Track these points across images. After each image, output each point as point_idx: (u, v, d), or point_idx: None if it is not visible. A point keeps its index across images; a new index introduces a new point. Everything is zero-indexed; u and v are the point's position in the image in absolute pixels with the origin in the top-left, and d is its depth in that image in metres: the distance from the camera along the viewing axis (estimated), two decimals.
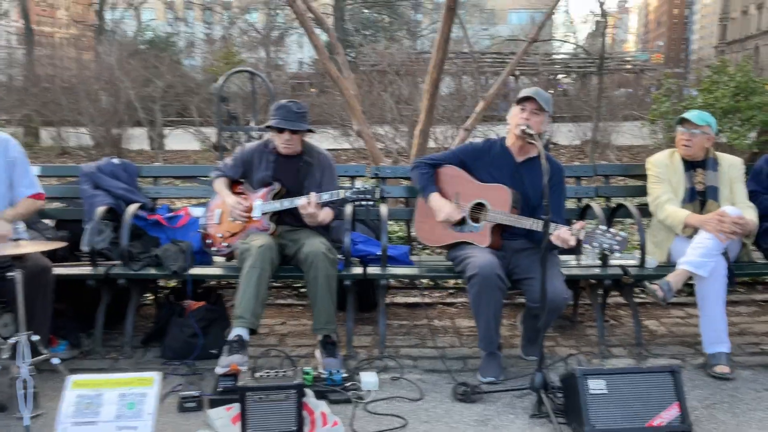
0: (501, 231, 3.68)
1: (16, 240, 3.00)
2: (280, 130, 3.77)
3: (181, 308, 3.91)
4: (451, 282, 4.94)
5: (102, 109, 10.15)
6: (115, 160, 4.28)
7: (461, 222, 3.72)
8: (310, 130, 3.85)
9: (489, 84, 12.33)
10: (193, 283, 3.94)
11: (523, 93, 3.65)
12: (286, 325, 4.39)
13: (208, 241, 3.93)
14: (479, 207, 3.70)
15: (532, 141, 3.51)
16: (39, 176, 3.99)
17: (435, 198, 3.76)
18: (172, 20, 31.30)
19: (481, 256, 3.47)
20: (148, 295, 4.55)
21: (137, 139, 11.89)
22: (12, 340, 3.05)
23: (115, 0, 29.44)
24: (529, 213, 3.62)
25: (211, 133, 11.39)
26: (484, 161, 3.79)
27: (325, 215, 3.77)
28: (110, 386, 2.45)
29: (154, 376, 2.49)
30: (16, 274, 2.99)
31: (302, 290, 4.82)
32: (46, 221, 4.17)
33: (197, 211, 4.18)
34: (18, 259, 3.00)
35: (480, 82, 12.07)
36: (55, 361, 3.20)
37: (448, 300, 4.84)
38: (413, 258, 4.25)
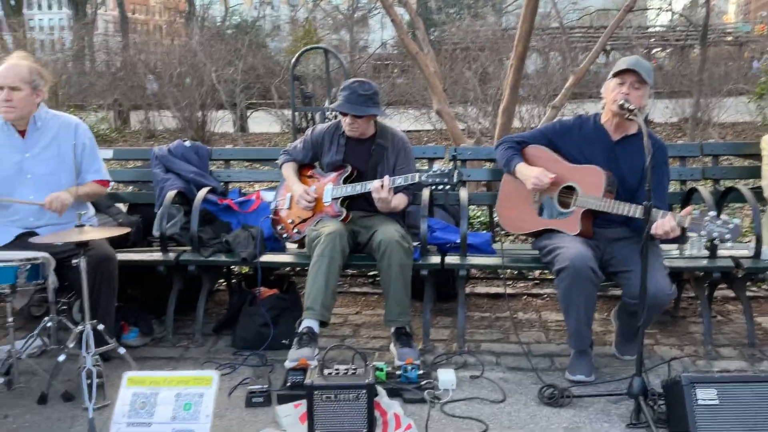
0: (593, 218, 3.32)
1: (81, 226, 2.92)
2: (345, 113, 3.54)
3: (253, 296, 3.78)
4: (537, 272, 4.60)
5: (186, 92, 10.28)
6: (187, 143, 4.18)
7: (546, 208, 3.39)
8: (375, 115, 3.57)
9: (578, 60, 11.70)
10: (265, 270, 3.80)
11: (622, 64, 3.25)
12: (361, 315, 4.19)
13: (279, 227, 3.77)
14: (568, 191, 3.36)
15: (632, 117, 3.12)
16: (112, 159, 3.95)
17: (522, 167, 3.43)
18: (258, 4, 31.72)
19: (572, 246, 3.13)
20: (221, 280, 4.45)
21: (221, 121, 12.02)
22: (78, 329, 2.99)
23: None
24: (626, 198, 3.24)
25: (290, 114, 11.36)
26: (575, 140, 3.43)
27: (399, 201, 3.52)
28: (166, 385, 2.31)
29: (213, 375, 2.34)
30: (80, 262, 2.92)
31: (377, 278, 4.61)
32: (119, 205, 4.13)
33: (269, 196, 4.03)
34: (82, 246, 2.91)
35: (568, 57, 11.46)
36: (122, 350, 3.12)
37: (534, 291, 4.51)
38: (495, 246, 3.95)
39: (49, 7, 52.49)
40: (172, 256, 3.68)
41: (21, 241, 3.25)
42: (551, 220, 3.37)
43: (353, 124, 3.54)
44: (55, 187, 3.33)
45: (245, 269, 4.38)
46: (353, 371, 2.77)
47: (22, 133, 3.34)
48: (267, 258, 3.70)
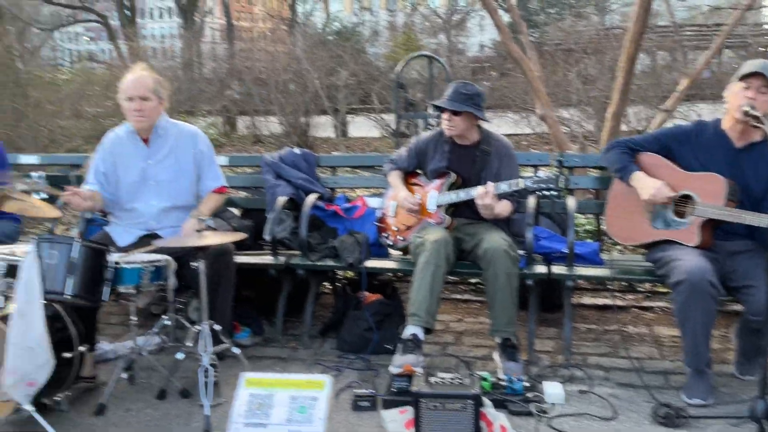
0: (712, 228, 3.16)
1: (201, 231, 3.07)
2: (443, 111, 3.55)
3: (358, 300, 3.85)
4: (647, 284, 4.42)
5: (291, 98, 10.59)
6: (296, 150, 4.31)
7: (660, 218, 3.25)
8: (472, 114, 3.53)
9: (689, 60, 11.13)
10: (369, 276, 3.86)
11: (748, 67, 3.07)
12: (462, 323, 4.17)
13: (384, 234, 3.81)
14: (685, 200, 3.21)
15: (759, 124, 2.94)
16: (227, 166, 4.11)
17: (639, 176, 3.30)
18: (358, 10, 32.26)
19: (689, 258, 2.99)
20: (326, 284, 4.56)
21: (323, 126, 12.31)
22: (195, 329, 3.14)
23: None
24: (750, 207, 3.06)
25: (390, 120, 11.46)
26: (693, 146, 3.28)
27: (503, 207, 3.48)
28: (282, 387, 2.39)
29: (326, 380, 2.39)
30: (200, 264, 3.06)
31: (480, 286, 4.57)
32: (233, 210, 4.31)
33: (374, 202, 4.09)
34: (202, 250, 3.06)
35: (678, 57, 10.94)
36: (236, 350, 3.25)
37: (645, 304, 4.34)
38: (603, 256, 3.83)
39: (160, 16, 55.56)
40: (282, 259, 3.81)
41: (143, 243, 3.46)
42: (666, 231, 3.24)
43: (450, 121, 3.54)
44: (176, 193, 3.51)
45: (350, 274, 4.46)
46: (459, 380, 2.77)
47: (146, 141, 3.54)
48: (372, 263, 3.76)
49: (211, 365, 3.00)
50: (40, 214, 3.28)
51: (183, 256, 3.28)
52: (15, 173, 4.21)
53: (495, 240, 3.38)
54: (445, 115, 3.55)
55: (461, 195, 3.54)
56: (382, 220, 3.85)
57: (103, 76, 12.84)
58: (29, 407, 2.79)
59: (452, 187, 3.62)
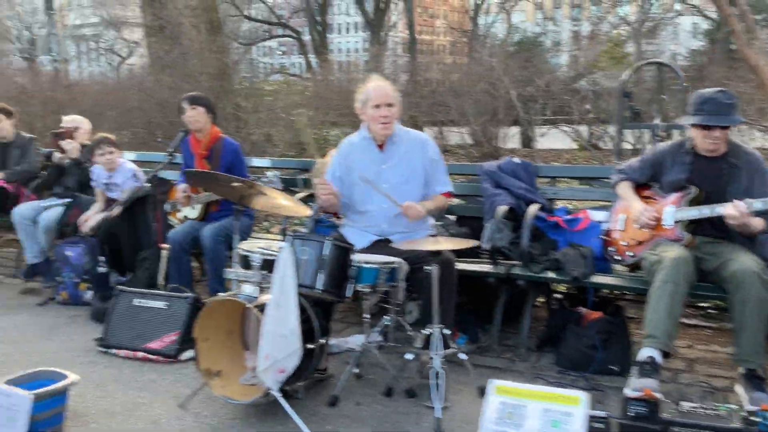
0: None
1: (434, 236, 3.14)
2: (708, 128, 3.28)
3: (578, 316, 3.72)
4: None
5: (481, 108, 10.59)
6: (516, 159, 4.28)
7: None
8: (742, 122, 3.27)
9: None
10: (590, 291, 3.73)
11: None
12: (693, 349, 3.88)
13: (610, 248, 3.65)
14: None
15: None
16: None
17: None
18: (541, 20, 31.71)
19: None
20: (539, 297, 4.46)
21: (509, 137, 12.16)
22: (426, 332, 3.19)
23: (488, 5, 30.91)
24: None
25: (583, 130, 11.06)
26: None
27: (758, 223, 3.19)
28: (534, 398, 2.35)
29: (581, 396, 2.32)
30: (433, 269, 3.12)
31: (710, 310, 4.25)
32: (450, 217, 4.36)
33: (597, 215, 3.94)
34: (436, 255, 3.11)
35: None
36: (463, 356, 3.26)
37: None
38: None
39: (347, 31, 58.39)
40: (502, 269, 3.78)
41: (374, 247, 3.59)
42: None
43: (718, 138, 3.29)
44: (407, 197, 3.61)
45: (562, 287, 4.34)
46: (714, 411, 2.56)
47: (380, 146, 3.68)
48: (599, 279, 3.62)
49: (441, 368, 3.05)
50: (286, 212, 3.52)
51: (414, 260, 3.36)
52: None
53: (745, 262, 3.11)
54: (713, 132, 3.28)
55: (705, 211, 3.29)
56: (608, 233, 3.69)
57: (302, 88, 13.65)
58: (277, 394, 2.99)
59: (693, 202, 3.38)
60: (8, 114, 5.81)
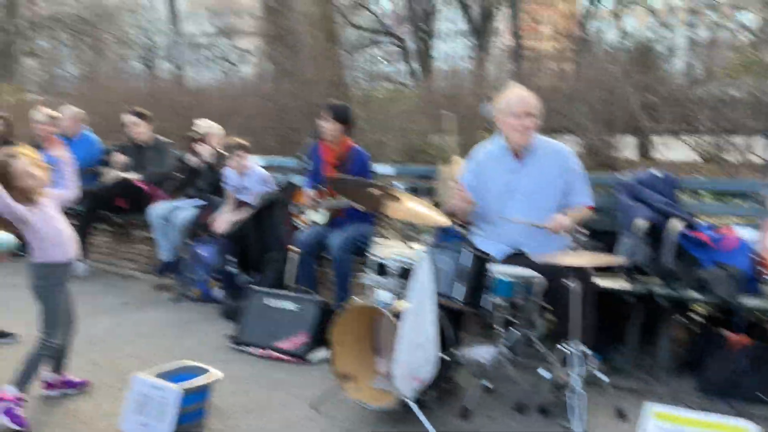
0: None
1: (576, 250, 3.04)
2: None
3: (723, 339, 3.50)
4: None
5: (597, 116, 10.24)
6: (656, 172, 4.09)
7: None
8: None
9: None
10: (734, 314, 3.50)
11: None
12: None
13: (764, 269, 3.42)
14: None
15: None
16: None
17: None
18: (655, 26, 30.37)
19: None
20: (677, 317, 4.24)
21: (625, 147, 11.71)
22: (563, 348, 3.10)
23: (598, 11, 29.98)
24: None
25: (707, 141, 10.47)
26: None
27: None
28: (697, 427, 2.22)
29: (750, 428, 2.17)
30: (574, 284, 3.02)
31: None
32: (582, 230, 4.21)
33: (746, 233, 3.70)
34: (578, 270, 3.02)
35: None
36: (603, 377, 3.14)
37: None
38: None
39: (452, 38, 58.31)
40: (641, 286, 3.62)
41: (509, 258, 3.52)
42: None
43: None
44: (540, 209, 3.53)
45: (701, 308, 4.10)
46: None
47: (516, 155, 3.62)
48: (749, 301, 3.39)
49: (580, 388, 2.95)
50: (425, 220, 3.50)
51: (551, 274, 3.27)
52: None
53: None
54: None
55: None
56: (760, 254, 3.46)
57: (411, 94, 13.69)
58: (413, 404, 2.98)
59: None
60: (145, 118, 6.16)
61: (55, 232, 3.18)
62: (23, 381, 3.12)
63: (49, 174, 3.21)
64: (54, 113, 6.87)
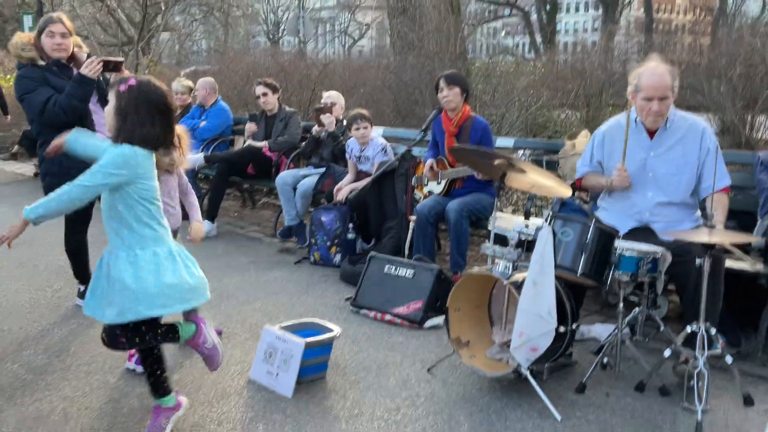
0: None
1: (711, 227, 2.89)
2: None
3: None
4: None
5: (738, 93, 9.59)
6: None
7: None
8: None
9: None
10: None
11: None
12: None
13: None
14: None
15: None
16: None
17: None
18: None
19: None
20: None
21: (765, 127, 10.90)
22: (689, 329, 2.99)
23: None
24: None
25: None
26: None
27: None
28: None
29: None
30: (704, 263, 2.90)
31: None
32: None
33: None
34: (709, 248, 2.89)
35: None
36: (729, 359, 3.01)
37: None
38: None
39: (577, 10, 56.10)
40: None
41: (635, 233, 3.43)
42: None
43: None
44: (674, 188, 3.40)
45: None
46: None
47: (651, 133, 3.49)
48: None
49: (705, 369, 2.85)
50: (548, 191, 3.48)
51: (679, 251, 3.15)
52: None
53: None
54: None
55: None
56: None
57: (531, 68, 13.39)
58: (527, 373, 3.00)
59: None
60: (274, 89, 6.43)
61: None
62: None
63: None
64: (191, 83, 7.33)
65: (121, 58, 4.02)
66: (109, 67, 3.90)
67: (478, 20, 33.22)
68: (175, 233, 3.38)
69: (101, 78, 3.99)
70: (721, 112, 10.48)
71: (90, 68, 3.79)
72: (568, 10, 55.49)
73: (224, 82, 9.94)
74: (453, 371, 3.39)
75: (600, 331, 3.82)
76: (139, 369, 3.17)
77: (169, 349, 3.46)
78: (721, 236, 2.91)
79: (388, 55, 11.35)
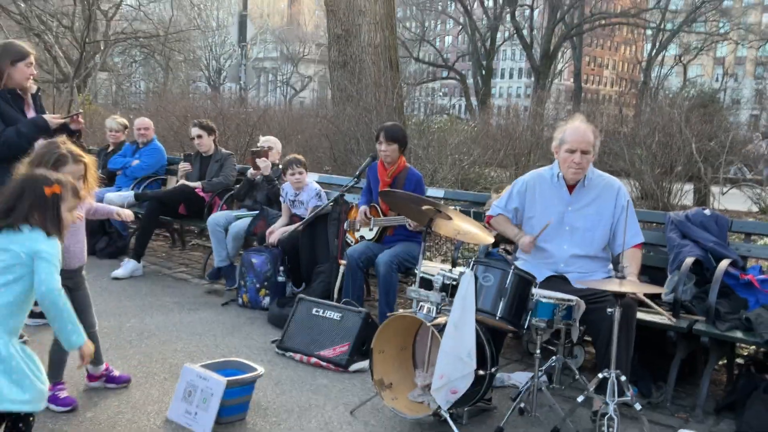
0: None
1: (622, 278, 3.06)
2: None
3: (765, 383, 3.46)
4: None
5: (657, 161, 10.17)
6: (706, 211, 4.10)
7: None
8: None
9: None
10: None
11: None
12: None
13: None
14: None
15: None
16: None
17: None
18: (721, 76, 29.98)
19: None
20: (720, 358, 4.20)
21: (683, 194, 11.54)
22: (601, 375, 3.12)
23: (663, 57, 29.77)
24: None
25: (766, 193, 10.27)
26: None
27: None
28: None
29: None
30: (615, 311, 3.05)
31: None
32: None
33: None
34: (619, 297, 3.05)
35: None
36: (638, 407, 3.14)
37: None
38: None
39: (511, 76, 58.69)
40: (684, 323, 3.61)
41: (550, 282, 3.58)
42: None
43: None
44: (589, 242, 3.59)
45: (746, 351, 4.06)
46: None
47: (570, 188, 3.68)
48: None
49: (615, 415, 2.96)
50: (472, 239, 3.60)
51: (593, 300, 3.31)
52: None
53: None
54: None
55: None
56: None
57: (467, 128, 13.85)
58: (446, 414, 3.05)
59: None
60: (210, 131, 6.45)
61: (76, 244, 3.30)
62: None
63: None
64: (125, 121, 7.28)
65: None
66: (70, 127, 4.18)
67: (417, 80, 34.25)
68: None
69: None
70: (640, 178, 11.09)
71: (57, 121, 4.13)
72: (502, 76, 58.04)
73: (161, 122, 9.90)
74: (376, 414, 3.41)
75: (520, 378, 3.92)
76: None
77: (81, 388, 3.36)
78: (631, 286, 3.08)
79: (328, 106, 11.56)
